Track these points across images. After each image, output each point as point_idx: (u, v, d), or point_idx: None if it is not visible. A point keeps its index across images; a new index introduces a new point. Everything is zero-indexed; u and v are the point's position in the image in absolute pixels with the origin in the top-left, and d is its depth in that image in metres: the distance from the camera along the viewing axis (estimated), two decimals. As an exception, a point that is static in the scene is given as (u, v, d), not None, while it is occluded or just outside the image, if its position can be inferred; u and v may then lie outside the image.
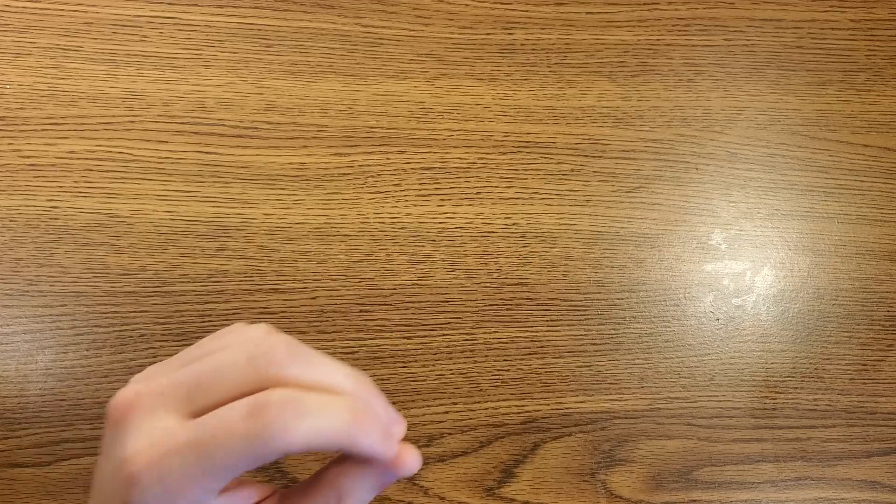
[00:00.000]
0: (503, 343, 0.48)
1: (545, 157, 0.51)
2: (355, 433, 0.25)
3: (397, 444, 0.27)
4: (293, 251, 0.48)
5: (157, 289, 0.46)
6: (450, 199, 0.50)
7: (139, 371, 0.32)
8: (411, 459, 0.28)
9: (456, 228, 0.49)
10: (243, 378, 0.25)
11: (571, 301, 0.49)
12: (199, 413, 0.25)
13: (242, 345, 0.26)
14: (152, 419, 0.26)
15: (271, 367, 0.25)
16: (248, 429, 0.24)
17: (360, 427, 0.26)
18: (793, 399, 0.48)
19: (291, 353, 0.26)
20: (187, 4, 0.51)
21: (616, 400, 0.47)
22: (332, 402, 0.25)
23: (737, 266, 0.51)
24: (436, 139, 0.50)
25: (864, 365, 0.49)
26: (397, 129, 0.50)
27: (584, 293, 0.49)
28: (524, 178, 0.50)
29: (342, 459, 0.28)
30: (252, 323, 0.46)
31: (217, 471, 0.25)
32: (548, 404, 0.47)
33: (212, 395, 0.25)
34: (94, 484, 0.28)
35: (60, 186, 0.47)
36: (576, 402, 0.47)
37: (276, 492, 0.29)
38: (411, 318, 0.47)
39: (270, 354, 0.26)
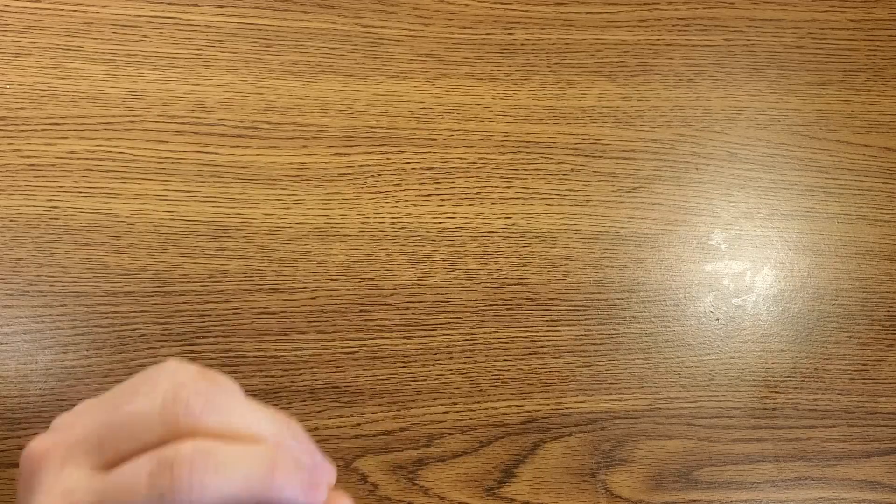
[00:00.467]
0: (503, 343, 0.48)
1: (545, 157, 0.51)
2: (273, 484, 0.23)
3: (325, 491, 0.26)
4: (293, 251, 0.48)
5: (157, 289, 0.46)
6: (450, 199, 0.50)
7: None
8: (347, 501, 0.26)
9: (456, 228, 0.49)
10: (155, 428, 0.24)
11: (571, 301, 0.49)
12: (111, 464, 0.24)
13: (161, 391, 0.24)
14: (60, 473, 0.24)
15: (187, 416, 0.23)
16: (153, 486, 0.22)
17: (278, 477, 0.24)
18: (793, 399, 0.48)
19: (208, 400, 0.24)
20: (187, 4, 0.51)
21: (616, 400, 0.47)
22: (247, 453, 0.24)
23: (737, 266, 0.51)
24: (436, 139, 0.50)
25: (864, 365, 0.49)
26: (397, 129, 0.50)
27: (584, 293, 0.49)
28: (524, 178, 0.50)
29: None
30: (252, 322, 0.46)
31: None
32: (548, 404, 0.47)
33: (122, 447, 0.24)
34: None
35: (60, 186, 0.47)
36: (576, 402, 0.47)
37: None
38: (411, 318, 0.47)
39: (186, 401, 0.24)
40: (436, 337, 0.47)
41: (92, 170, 0.47)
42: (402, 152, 0.50)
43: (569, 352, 0.48)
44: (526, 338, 0.48)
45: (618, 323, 0.49)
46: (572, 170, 0.51)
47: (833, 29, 0.55)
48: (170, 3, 0.51)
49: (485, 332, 0.48)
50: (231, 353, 0.46)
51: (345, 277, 0.48)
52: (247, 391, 0.46)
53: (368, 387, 0.46)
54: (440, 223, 0.49)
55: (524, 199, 0.50)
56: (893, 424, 0.49)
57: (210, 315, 0.46)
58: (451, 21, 0.53)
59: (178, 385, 0.24)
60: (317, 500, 0.25)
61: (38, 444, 0.25)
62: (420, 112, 0.51)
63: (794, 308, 0.50)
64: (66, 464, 0.24)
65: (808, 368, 0.49)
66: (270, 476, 0.23)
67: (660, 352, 0.48)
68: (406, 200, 0.49)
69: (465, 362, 0.47)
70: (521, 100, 0.52)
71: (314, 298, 0.47)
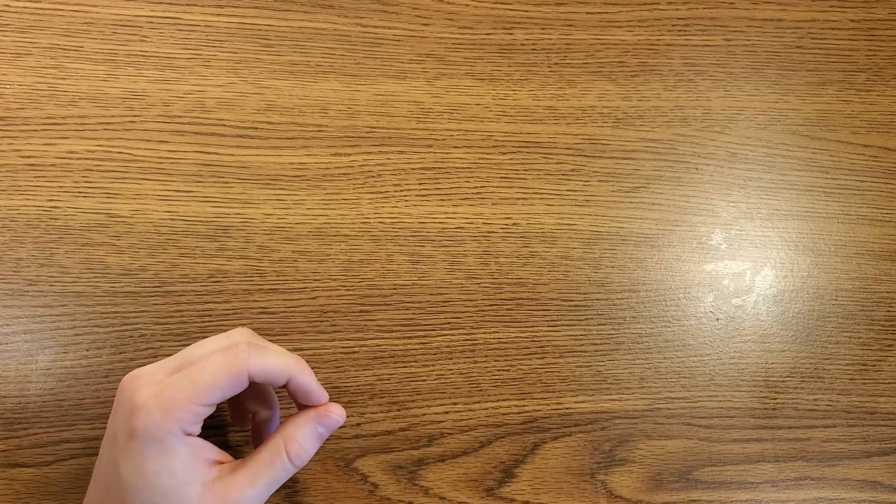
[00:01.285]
0: (503, 343, 0.48)
1: (545, 157, 0.51)
2: (298, 370, 0.36)
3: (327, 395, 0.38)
4: (293, 251, 0.48)
5: (157, 289, 0.46)
6: (450, 199, 0.50)
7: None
8: (339, 408, 0.38)
9: (456, 228, 0.49)
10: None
11: (571, 301, 0.49)
12: None
13: (222, 340, 0.37)
14: (153, 379, 0.35)
15: (240, 353, 0.35)
16: (225, 356, 0.34)
17: (301, 368, 0.36)
18: (793, 399, 0.48)
19: (255, 344, 0.36)
20: (187, 4, 0.51)
21: (616, 400, 0.47)
22: (282, 351, 0.37)
23: (737, 266, 0.51)
24: (436, 139, 0.50)
25: (864, 365, 0.49)
26: (397, 129, 0.50)
27: (585, 293, 0.49)
28: (524, 178, 0.50)
29: (284, 422, 0.37)
30: (252, 322, 0.46)
31: (203, 389, 0.33)
32: (548, 404, 0.47)
33: None
34: (104, 441, 0.36)
35: (60, 186, 0.47)
36: (576, 402, 0.47)
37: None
38: (411, 318, 0.47)
39: (238, 345, 0.35)
40: (436, 337, 0.47)
41: (92, 170, 0.47)
42: (402, 152, 0.50)
43: (569, 352, 0.48)
44: (526, 338, 0.48)
45: (618, 323, 0.49)
46: (572, 170, 0.51)
47: (833, 29, 0.55)
48: (170, 4, 0.51)
49: (485, 332, 0.48)
50: (231, 353, 0.46)
51: (345, 277, 0.48)
52: (247, 391, 0.46)
53: (368, 387, 0.46)
54: (440, 223, 0.49)
55: (524, 199, 0.50)
56: (893, 424, 0.49)
57: (210, 315, 0.46)
58: (451, 21, 0.53)
59: (234, 334, 0.37)
60: (324, 394, 0.38)
61: (132, 373, 0.35)
62: (420, 112, 0.51)
63: (794, 308, 0.50)
64: (155, 375, 0.35)
65: (808, 368, 0.49)
66: (297, 365, 0.36)
67: (660, 352, 0.48)
68: (406, 200, 0.49)
69: (465, 362, 0.47)
70: (521, 100, 0.52)
71: (314, 298, 0.47)
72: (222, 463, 0.35)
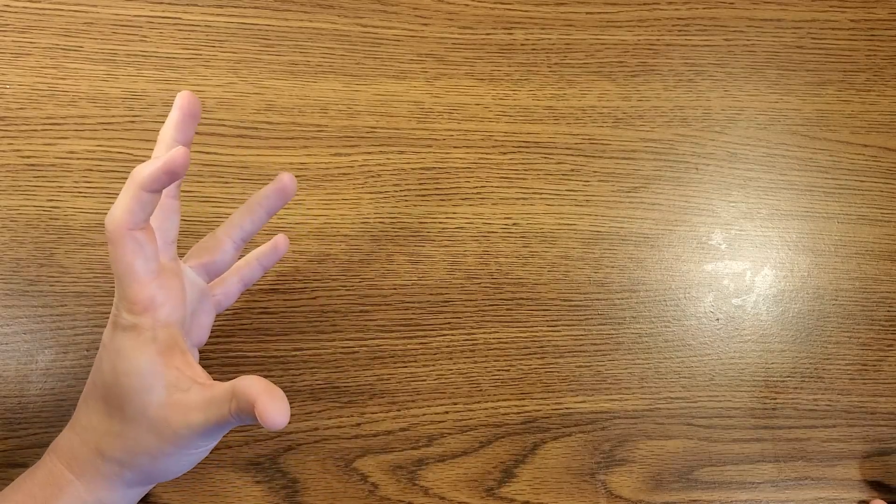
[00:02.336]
0: (503, 343, 0.48)
1: (545, 157, 0.51)
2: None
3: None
4: (293, 251, 0.48)
5: (157, 289, 0.46)
6: (450, 199, 0.50)
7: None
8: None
9: (456, 228, 0.49)
10: None
11: (571, 301, 0.49)
12: None
13: None
14: None
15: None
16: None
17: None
18: (793, 399, 0.48)
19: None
20: (187, 4, 0.51)
21: (616, 400, 0.47)
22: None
23: (737, 266, 0.51)
24: (436, 139, 0.50)
25: (864, 365, 0.49)
26: (397, 129, 0.50)
27: (584, 293, 0.49)
28: (524, 178, 0.50)
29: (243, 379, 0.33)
30: (252, 322, 0.46)
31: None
32: (548, 404, 0.47)
33: None
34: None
35: (60, 186, 0.47)
36: (576, 402, 0.47)
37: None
38: (411, 318, 0.47)
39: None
40: (436, 337, 0.47)
41: (92, 170, 0.47)
42: (402, 152, 0.50)
43: (569, 352, 0.48)
44: (526, 338, 0.48)
45: (618, 323, 0.49)
46: (572, 170, 0.51)
47: (833, 29, 0.55)
48: (170, 4, 0.51)
49: (485, 332, 0.48)
50: (231, 353, 0.46)
51: (345, 277, 0.48)
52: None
53: (368, 387, 0.46)
54: (440, 223, 0.49)
55: (524, 199, 0.50)
56: (893, 424, 0.49)
57: (210, 315, 0.46)
58: (451, 21, 0.53)
59: None
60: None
61: None
62: (420, 112, 0.51)
63: (794, 308, 0.50)
64: None
65: (808, 368, 0.49)
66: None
67: (660, 352, 0.48)
68: (406, 200, 0.49)
69: (465, 362, 0.47)
70: (521, 100, 0.52)
71: (314, 298, 0.47)
72: (185, 373, 0.35)
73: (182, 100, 0.36)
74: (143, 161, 0.48)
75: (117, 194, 0.47)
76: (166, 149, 0.36)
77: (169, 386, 0.34)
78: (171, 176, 0.33)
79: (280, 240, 0.44)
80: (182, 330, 0.37)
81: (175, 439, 0.34)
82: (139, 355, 0.34)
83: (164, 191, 0.38)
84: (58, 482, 0.36)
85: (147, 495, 0.43)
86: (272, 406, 0.31)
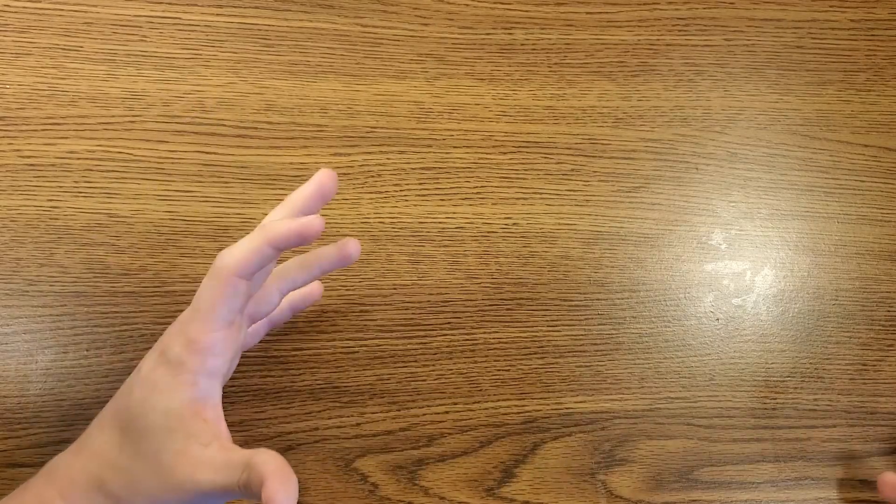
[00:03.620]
0: (503, 343, 0.48)
1: (545, 157, 0.51)
2: (270, 226, 0.34)
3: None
4: (293, 251, 0.47)
5: (157, 289, 0.46)
6: (450, 199, 0.50)
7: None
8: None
9: (456, 228, 0.49)
10: None
11: (571, 301, 0.49)
12: None
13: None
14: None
15: (216, 262, 0.35)
16: (208, 274, 0.34)
17: (271, 226, 0.34)
18: (793, 399, 0.48)
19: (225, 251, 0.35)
20: (187, 4, 0.51)
21: (616, 400, 0.47)
22: (250, 237, 0.35)
23: (737, 266, 0.51)
24: (436, 139, 0.50)
25: (864, 365, 0.49)
26: (397, 129, 0.50)
27: (585, 293, 0.49)
28: (524, 178, 0.50)
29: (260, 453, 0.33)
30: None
31: (206, 310, 0.34)
32: (548, 404, 0.47)
33: None
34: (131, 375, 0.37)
35: (60, 186, 0.47)
36: (576, 402, 0.47)
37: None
38: (411, 318, 0.47)
39: (215, 262, 0.35)
40: (436, 337, 0.47)
41: (92, 170, 0.47)
42: (402, 152, 0.50)
43: (569, 352, 0.48)
44: (526, 338, 0.48)
45: (618, 323, 0.49)
46: (572, 170, 0.51)
47: (833, 29, 0.55)
48: (170, 3, 0.51)
49: (485, 332, 0.48)
50: (231, 353, 0.46)
51: (345, 277, 0.48)
52: (247, 390, 0.47)
53: (368, 387, 0.46)
54: (440, 223, 0.49)
55: (524, 199, 0.50)
56: (894, 424, 0.49)
57: (210, 315, 0.46)
58: (451, 21, 0.53)
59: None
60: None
61: None
62: (420, 112, 0.51)
63: (795, 308, 0.50)
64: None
65: (808, 368, 0.49)
66: (264, 228, 0.34)
67: (660, 352, 0.48)
68: (406, 200, 0.49)
69: (465, 362, 0.47)
70: (521, 100, 0.52)
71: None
72: (210, 428, 0.34)
73: (322, 177, 0.36)
74: (141, 160, 0.48)
75: (117, 194, 0.47)
76: (291, 212, 0.36)
77: (190, 435, 0.33)
78: (300, 240, 0.33)
79: (315, 287, 0.45)
80: (221, 384, 0.36)
81: (177, 491, 0.33)
82: (174, 395, 0.33)
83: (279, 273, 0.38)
84: None
85: (147, 495, 0.42)
86: (282, 490, 0.30)
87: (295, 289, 0.39)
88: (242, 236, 0.46)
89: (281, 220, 0.33)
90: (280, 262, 0.39)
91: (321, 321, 0.47)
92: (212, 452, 0.33)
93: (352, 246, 0.38)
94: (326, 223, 0.48)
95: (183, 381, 0.34)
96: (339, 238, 0.48)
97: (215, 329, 0.34)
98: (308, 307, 0.46)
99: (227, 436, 0.35)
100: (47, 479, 0.36)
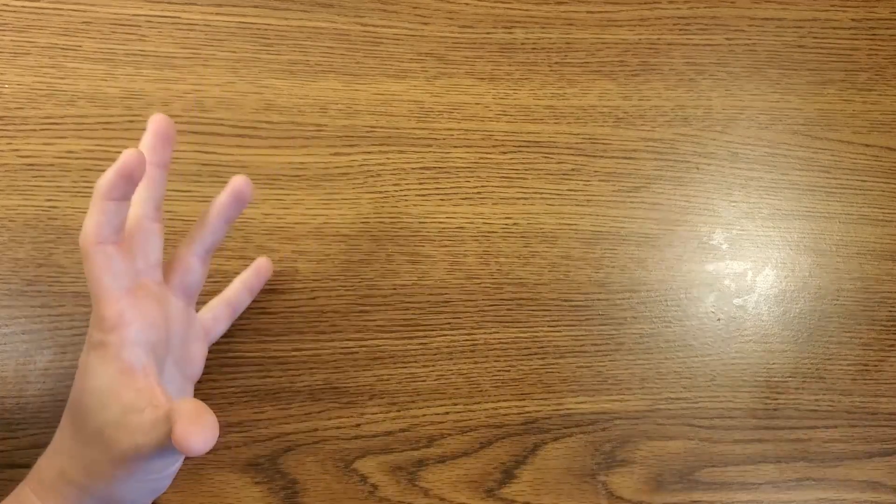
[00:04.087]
0: (503, 343, 0.47)
1: (546, 157, 0.51)
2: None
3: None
4: (293, 251, 0.47)
5: (156, 289, 0.46)
6: (450, 199, 0.49)
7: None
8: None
9: (456, 228, 0.49)
10: None
11: (572, 301, 0.48)
12: None
13: None
14: None
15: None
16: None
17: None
18: (794, 399, 0.48)
19: None
20: (186, 4, 0.51)
21: (617, 401, 0.47)
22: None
23: (738, 266, 0.50)
24: (436, 139, 0.50)
25: (865, 365, 0.49)
26: (397, 128, 0.50)
27: (585, 293, 0.49)
28: (525, 178, 0.50)
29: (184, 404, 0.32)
30: (252, 323, 0.46)
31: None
32: (548, 405, 0.47)
33: None
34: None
35: (59, 186, 0.47)
36: (576, 403, 0.47)
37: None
38: (411, 319, 0.47)
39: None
40: (436, 337, 0.47)
41: (91, 169, 0.47)
42: (402, 152, 0.50)
43: (569, 352, 0.48)
44: (526, 338, 0.48)
45: (619, 323, 0.48)
46: (573, 169, 0.51)
47: (834, 28, 0.55)
48: (169, 3, 0.51)
49: (485, 333, 0.48)
50: (231, 354, 0.46)
51: (344, 277, 0.47)
52: (246, 391, 0.47)
53: (368, 387, 0.46)
54: (440, 223, 0.49)
55: (524, 198, 0.50)
56: (895, 425, 0.48)
57: (209, 315, 0.46)
58: (451, 20, 0.52)
59: None
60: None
61: None
62: (420, 111, 0.51)
63: (796, 308, 0.50)
64: None
65: (809, 369, 0.49)
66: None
67: (661, 352, 0.48)
68: (406, 200, 0.49)
69: (465, 363, 0.47)
70: (521, 99, 0.52)
71: (314, 299, 0.47)
72: (144, 395, 0.34)
73: (154, 124, 0.37)
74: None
75: (116, 194, 0.47)
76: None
77: (125, 406, 0.33)
78: (127, 179, 0.32)
79: (262, 262, 0.45)
80: (153, 354, 0.36)
81: (124, 462, 0.33)
82: (101, 374, 0.34)
83: (143, 213, 0.37)
84: None
85: (146, 496, 0.42)
86: (194, 432, 0.29)
87: (210, 247, 0.39)
88: (241, 236, 0.46)
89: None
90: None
91: (321, 321, 0.47)
92: (147, 416, 0.33)
93: (239, 180, 0.38)
94: (327, 223, 0.48)
95: (107, 358, 0.34)
96: (338, 237, 0.48)
97: (113, 300, 0.34)
98: (263, 284, 0.45)
99: (165, 399, 0.34)
100: (25, 481, 0.37)
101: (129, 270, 0.35)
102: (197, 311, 0.42)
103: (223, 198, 0.38)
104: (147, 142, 0.37)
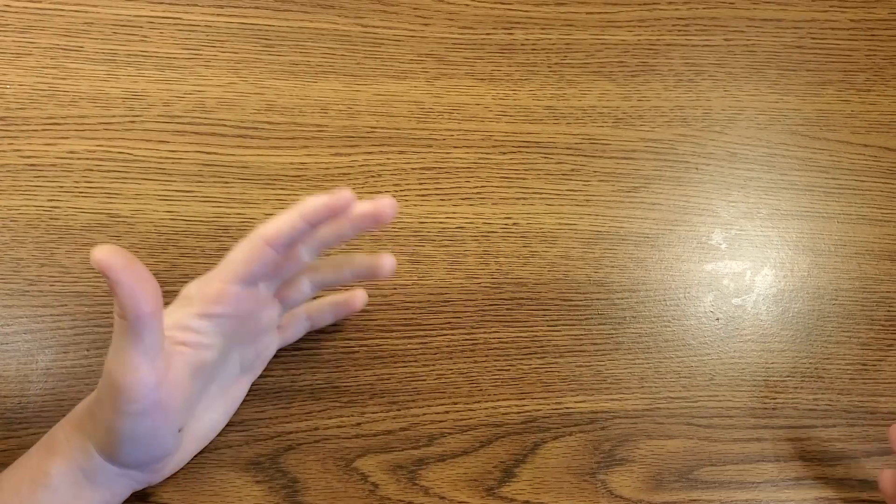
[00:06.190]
0: (503, 343, 0.48)
1: (545, 157, 0.51)
2: (304, 204, 0.36)
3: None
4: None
5: (157, 289, 0.46)
6: (450, 199, 0.50)
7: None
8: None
9: (456, 228, 0.49)
10: None
11: (571, 301, 0.49)
12: None
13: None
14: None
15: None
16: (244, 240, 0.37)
17: (307, 202, 0.36)
18: (793, 399, 0.48)
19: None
20: (188, 4, 0.51)
21: (616, 400, 0.47)
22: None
23: (737, 266, 0.51)
24: (436, 139, 0.50)
25: (864, 365, 0.49)
26: (397, 129, 0.50)
27: (585, 293, 0.49)
28: (524, 178, 0.50)
29: None
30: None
31: (229, 264, 0.37)
32: (548, 404, 0.47)
33: None
34: None
35: (61, 186, 0.47)
36: (576, 402, 0.47)
37: None
38: (411, 318, 0.47)
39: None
40: (436, 337, 0.47)
41: (92, 170, 0.48)
42: (402, 152, 0.50)
43: (569, 351, 0.48)
44: (526, 337, 0.48)
45: (618, 323, 0.49)
46: (572, 170, 0.51)
47: (833, 29, 0.55)
48: (170, 4, 0.51)
49: (485, 332, 0.48)
50: (231, 353, 0.46)
51: (345, 277, 0.48)
52: (248, 390, 0.46)
53: (368, 387, 0.46)
54: (440, 223, 0.49)
55: (524, 198, 0.50)
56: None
57: (210, 315, 0.46)
58: (451, 21, 0.53)
59: None
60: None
61: None
62: (420, 112, 0.51)
63: (795, 308, 0.50)
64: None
65: (808, 368, 0.49)
66: (300, 205, 0.36)
67: (660, 351, 0.48)
68: (406, 200, 0.49)
69: (465, 362, 0.47)
70: (521, 100, 0.52)
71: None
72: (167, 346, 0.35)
73: (339, 196, 0.36)
74: (142, 160, 0.48)
75: (118, 194, 0.47)
76: (299, 214, 0.36)
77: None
78: (329, 211, 0.35)
79: (358, 295, 0.45)
80: (215, 338, 0.38)
81: (112, 390, 0.34)
82: (138, 351, 0.35)
83: (307, 292, 0.42)
84: (50, 443, 0.38)
85: (147, 495, 0.43)
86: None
87: (325, 286, 0.42)
88: (243, 237, 0.46)
89: (314, 196, 0.35)
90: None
91: (321, 321, 0.47)
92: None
93: (386, 260, 0.40)
94: (327, 223, 0.48)
95: (180, 312, 0.36)
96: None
97: (231, 281, 0.36)
98: (349, 314, 0.46)
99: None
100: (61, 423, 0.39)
101: (263, 277, 0.37)
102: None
103: (363, 263, 0.41)
104: (322, 200, 0.36)
